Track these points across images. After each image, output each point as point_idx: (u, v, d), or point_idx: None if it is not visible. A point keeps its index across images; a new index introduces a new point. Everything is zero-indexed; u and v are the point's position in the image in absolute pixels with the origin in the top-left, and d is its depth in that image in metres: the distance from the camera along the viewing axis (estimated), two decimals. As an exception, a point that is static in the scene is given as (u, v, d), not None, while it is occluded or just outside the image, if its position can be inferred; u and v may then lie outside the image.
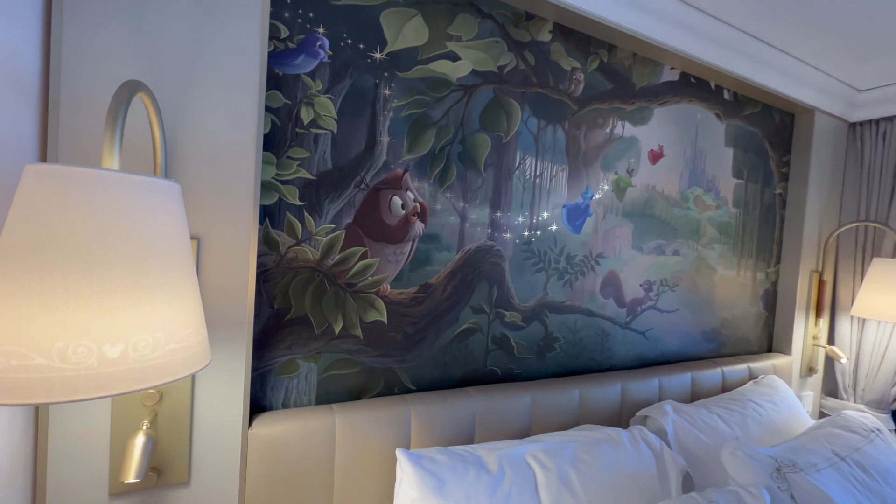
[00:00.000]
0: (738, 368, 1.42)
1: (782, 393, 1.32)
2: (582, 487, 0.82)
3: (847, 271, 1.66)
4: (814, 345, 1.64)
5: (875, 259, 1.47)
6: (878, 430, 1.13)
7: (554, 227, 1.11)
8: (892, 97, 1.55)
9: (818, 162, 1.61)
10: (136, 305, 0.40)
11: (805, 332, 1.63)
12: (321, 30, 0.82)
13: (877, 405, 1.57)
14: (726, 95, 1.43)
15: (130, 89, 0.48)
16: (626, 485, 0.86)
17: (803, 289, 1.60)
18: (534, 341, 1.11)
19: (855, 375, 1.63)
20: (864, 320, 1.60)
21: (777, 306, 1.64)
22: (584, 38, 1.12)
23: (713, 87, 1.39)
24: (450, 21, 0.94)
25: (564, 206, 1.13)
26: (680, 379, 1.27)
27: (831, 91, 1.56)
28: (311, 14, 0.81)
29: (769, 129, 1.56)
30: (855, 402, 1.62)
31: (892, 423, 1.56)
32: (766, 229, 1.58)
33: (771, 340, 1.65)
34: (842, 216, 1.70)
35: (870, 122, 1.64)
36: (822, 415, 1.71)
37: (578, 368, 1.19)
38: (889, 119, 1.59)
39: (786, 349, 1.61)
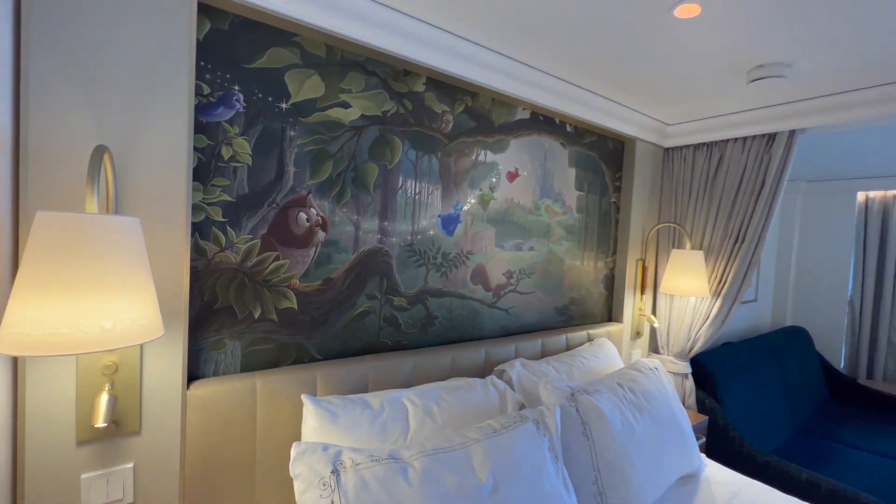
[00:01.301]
0: (580, 334, 1.89)
1: (606, 349, 1.81)
2: (440, 415, 1.18)
3: (663, 259, 2.23)
4: (639, 314, 2.19)
5: (674, 250, 2.03)
6: (656, 368, 1.63)
7: (432, 232, 1.46)
8: (689, 131, 2.12)
9: (641, 177, 2.14)
10: (120, 297, 0.66)
11: (633, 305, 2.17)
12: (236, 87, 1.08)
13: (680, 356, 2.15)
14: (569, 129, 1.87)
15: (100, 153, 0.72)
16: (473, 412, 1.24)
17: (631, 273, 2.14)
18: (417, 319, 1.45)
19: (668, 335, 2.21)
20: (671, 295, 2.18)
21: (614, 287, 2.16)
22: (451, 88, 1.48)
23: (558, 122, 1.83)
24: (342, 78, 1.24)
25: (439, 216, 1.48)
26: (533, 343, 1.70)
27: (648, 126, 2.09)
28: (227, 75, 1.06)
29: (604, 153, 2.05)
30: (668, 354, 2.20)
31: (689, 368, 2.15)
32: (604, 229, 2.08)
33: (610, 313, 2.17)
34: (660, 217, 2.27)
35: (677, 148, 2.21)
36: (648, 367, 2.28)
37: (455, 339, 1.56)
38: (688, 146, 2.16)
39: (620, 319, 2.13)
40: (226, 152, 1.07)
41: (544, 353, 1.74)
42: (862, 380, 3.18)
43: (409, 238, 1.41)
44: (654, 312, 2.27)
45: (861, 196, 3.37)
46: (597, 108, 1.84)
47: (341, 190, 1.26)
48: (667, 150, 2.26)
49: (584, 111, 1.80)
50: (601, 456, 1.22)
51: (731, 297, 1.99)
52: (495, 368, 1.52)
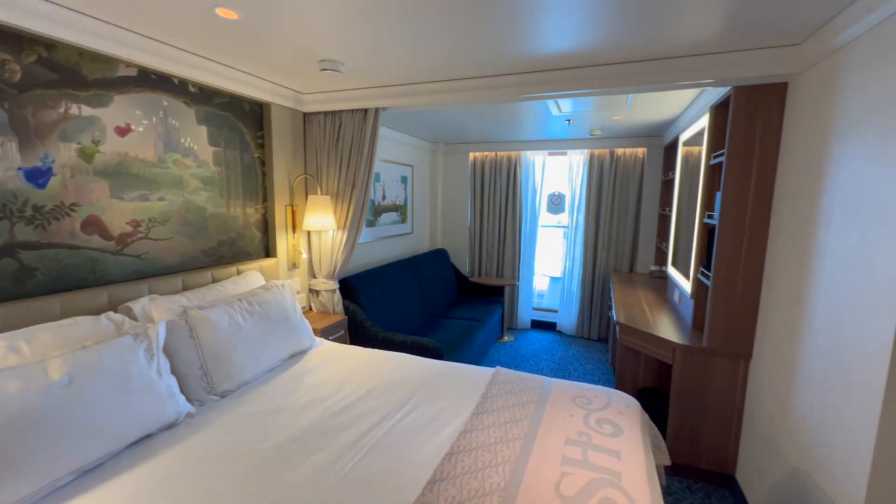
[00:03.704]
0: (229, 270, 2.25)
1: (249, 279, 2.24)
2: (30, 351, 1.31)
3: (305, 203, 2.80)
4: (294, 249, 2.73)
5: (310, 196, 2.60)
6: (283, 286, 2.18)
7: (12, 185, 1.46)
8: (319, 101, 2.66)
9: (283, 137, 2.59)
10: None
11: (287, 242, 2.69)
12: None
13: (328, 277, 2.84)
14: (192, 89, 2.08)
15: None
16: (78, 343, 1.42)
17: (281, 216, 2.62)
18: (8, 273, 1.46)
19: (319, 263, 2.85)
20: (319, 231, 2.80)
21: (268, 229, 2.60)
22: (14, 36, 1.44)
23: (177, 82, 2.00)
24: None
25: (21, 169, 1.48)
26: (172, 282, 1.95)
27: (283, 94, 2.52)
28: None
29: (241, 113, 2.37)
30: (321, 277, 2.86)
31: (336, 285, 2.86)
32: (250, 180, 2.45)
33: (268, 251, 2.62)
34: (306, 168, 2.81)
35: (314, 113, 2.75)
36: (310, 289, 2.90)
37: (69, 287, 1.64)
38: (321, 113, 2.72)
39: (275, 254, 2.61)
40: None
41: (186, 289, 2.01)
42: (473, 278, 4.88)
43: (-25, 192, 1.37)
44: (309, 246, 2.86)
45: (472, 156, 4.94)
46: (221, 74, 2.11)
47: None
48: (306, 114, 2.77)
49: (204, 76, 2.03)
50: (206, 349, 1.64)
51: (354, 229, 2.75)
52: (120, 306, 1.71)
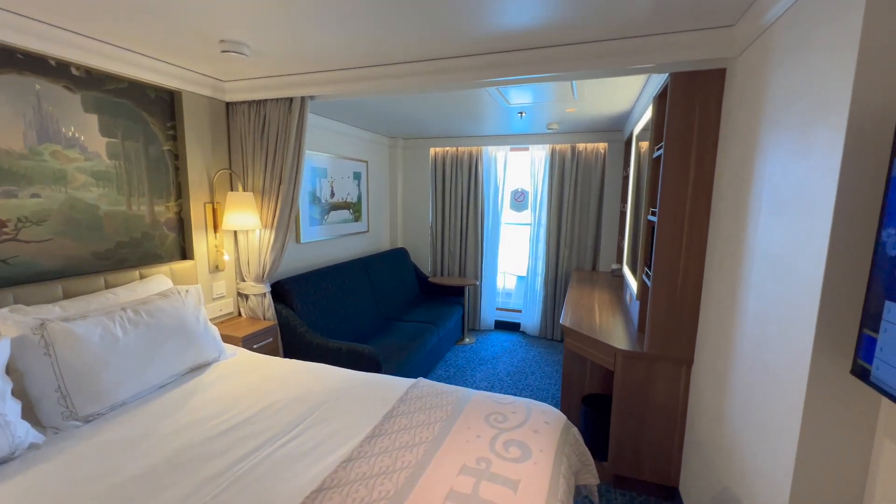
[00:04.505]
0: (129, 274, 2.03)
1: (151, 284, 2.02)
2: None
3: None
4: (216, 250, 2.52)
5: (229, 193, 2.39)
6: (187, 291, 1.97)
7: None
8: (241, 89, 2.45)
9: (199, 128, 2.37)
10: None
11: (208, 243, 2.47)
12: None
13: (257, 279, 2.63)
14: (76, 72, 1.85)
15: None
16: None
17: (200, 215, 2.40)
18: None
19: (247, 265, 2.64)
20: (247, 231, 2.59)
21: (184, 228, 2.38)
22: None
23: (54, 64, 1.78)
24: None
25: None
26: (48, 290, 1.72)
27: (198, 81, 2.30)
28: None
29: (144, 101, 2.14)
30: (249, 280, 2.64)
31: (267, 288, 2.66)
32: (158, 175, 2.23)
33: (185, 252, 2.40)
34: (231, 162, 2.59)
35: (237, 103, 2.53)
36: (238, 293, 2.69)
37: None
38: (245, 103, 2.51)
39: (192, 256, 2.39)
40: None
41: (68, 297, 1.79)
42: (434, 278, 4.70)
43: None
44: (236, 247, 2.65)
45: (433, 151, 4.75)
46: (117, 58, 1.88)
47: None
48: (229, 104, 2.55)
49: (95, 60, 1.81)
50: (66, 367, 1.43)
51: (283, 227, 2.54)
52: (-34, 320, 1.48)
